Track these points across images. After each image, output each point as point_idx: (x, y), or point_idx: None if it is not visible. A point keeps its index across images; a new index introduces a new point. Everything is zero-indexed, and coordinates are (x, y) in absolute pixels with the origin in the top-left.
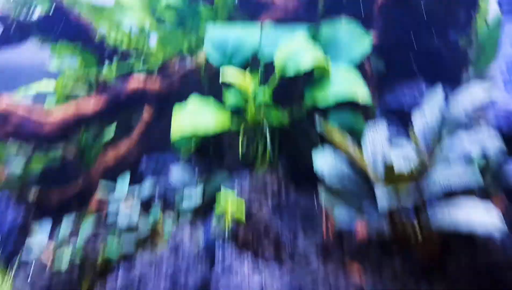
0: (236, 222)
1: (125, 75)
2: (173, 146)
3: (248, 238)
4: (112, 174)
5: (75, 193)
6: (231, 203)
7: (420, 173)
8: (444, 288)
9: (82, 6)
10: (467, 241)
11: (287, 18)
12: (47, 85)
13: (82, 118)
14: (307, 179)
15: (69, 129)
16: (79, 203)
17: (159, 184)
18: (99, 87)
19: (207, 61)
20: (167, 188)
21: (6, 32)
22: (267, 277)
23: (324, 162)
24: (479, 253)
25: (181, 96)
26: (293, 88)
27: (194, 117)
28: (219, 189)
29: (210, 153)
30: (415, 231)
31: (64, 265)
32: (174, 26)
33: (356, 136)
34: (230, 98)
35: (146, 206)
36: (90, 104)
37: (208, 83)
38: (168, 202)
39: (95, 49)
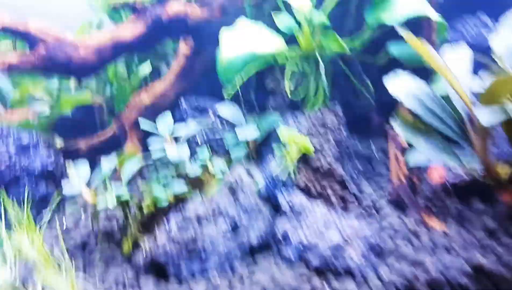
0: (301, 159)
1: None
2: (219, 75)
3: (313, 178)
4: (147, 118)
5: (108, 138)
6: (294, 138)
7: None
8: None
9: None
10: None
11: None
12: None
13: (120, 44)
14: (364, 122)
15: (106, 55)
16: (112, 148)
17: (202, 125)
18: (136, 10)
19: None
20: (213, 128)
21: None
22: (343, 224)
23: (401, 86)
24: None
25: (222, 26)
26: (351, 10)
27: (247, 37)
28: (272, 129)
29: (255, 90)
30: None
31: (109, 204)
32: None
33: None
34: (282, 20)
35: (191, 148)
36: (128, 28)
37: (253, 8)
38: (216, 143)
39: None
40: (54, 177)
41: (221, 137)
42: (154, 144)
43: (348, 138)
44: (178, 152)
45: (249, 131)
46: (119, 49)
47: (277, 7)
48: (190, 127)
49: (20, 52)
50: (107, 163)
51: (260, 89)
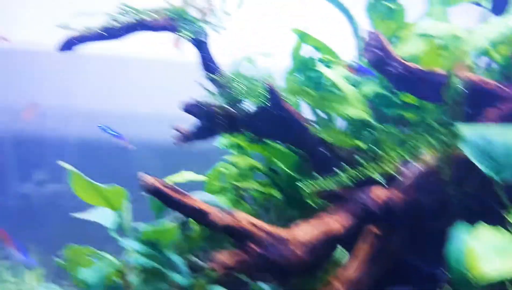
0: None
1: (356, 184)
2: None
3: None
4: None
5: None
6: None
7: None
8: None
9: (308, 95)
10: None
11: None
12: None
13: (332, 238)
14: None
15: (319, 252)
16: None
17: None
18: (337, 197)
19: (447, 166)
20: None
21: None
22: None
23: None
24: None
25: (413, 209)
26: None
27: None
28: None
29: None
30: None
31: None
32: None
33: None
34: None
35: None
36: (337, 219)
37: (465, 195)
38: None
39: (306, 150)
40: None
41: None
42: None
43: None
44: None
45: None
46: (331, 244)
47: None
48: None
49: (234, 251)
50: None
51: None
